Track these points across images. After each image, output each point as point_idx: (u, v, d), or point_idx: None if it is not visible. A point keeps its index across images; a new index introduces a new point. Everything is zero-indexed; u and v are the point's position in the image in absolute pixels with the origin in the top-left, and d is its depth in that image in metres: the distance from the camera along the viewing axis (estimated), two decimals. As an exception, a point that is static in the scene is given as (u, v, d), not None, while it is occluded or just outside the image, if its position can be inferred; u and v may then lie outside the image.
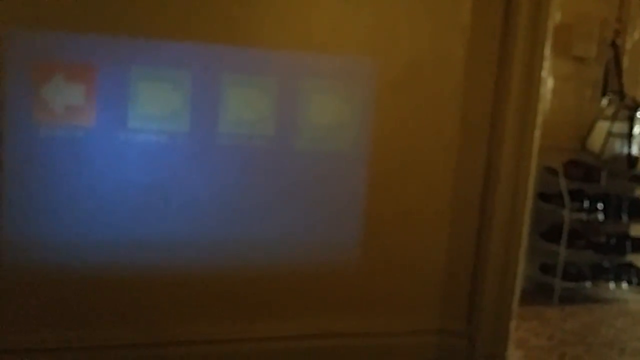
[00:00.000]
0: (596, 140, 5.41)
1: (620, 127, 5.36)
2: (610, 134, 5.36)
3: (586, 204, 5.33)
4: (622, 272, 5.48)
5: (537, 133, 3.67)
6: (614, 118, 5.37)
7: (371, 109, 3.53)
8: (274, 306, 3.52)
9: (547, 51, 3.63)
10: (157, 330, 3.32)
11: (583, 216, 5.34)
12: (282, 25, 3.31)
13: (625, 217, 5.46)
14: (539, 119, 3.67)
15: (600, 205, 5.37)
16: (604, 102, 5.46)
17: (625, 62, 5.53)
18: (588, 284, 5.40)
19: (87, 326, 3.22)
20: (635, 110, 5.36)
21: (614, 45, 5.43)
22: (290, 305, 3.55)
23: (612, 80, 5.44)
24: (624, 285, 5.48)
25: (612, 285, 5.46)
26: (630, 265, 5.57)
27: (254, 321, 3.48)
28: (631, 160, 5.40)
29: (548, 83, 5.05)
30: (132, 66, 3.09)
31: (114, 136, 3.11)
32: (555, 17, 4.22)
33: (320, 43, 3.40)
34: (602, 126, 5.41)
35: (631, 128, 5.34)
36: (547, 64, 3.65)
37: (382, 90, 3.52)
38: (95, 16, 3.03)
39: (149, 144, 3.17)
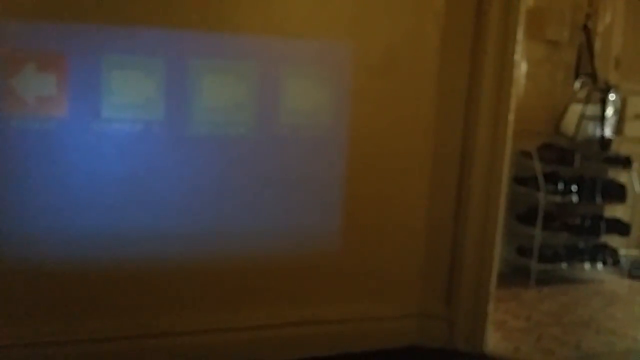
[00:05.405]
0: (569, 123, 5.45)
1: (593, 109, 5.41)
2: (583, 116, 5.41)
3: (560, 186, 5.38)
4: (597, 253, 5.56)
5: (512, 117, 3.70)
6: (586, 101, 5.42)
7: (349, 94, 3.52)
8: (257, 295, 3.51)
9: (520, 35, 3.65)
10: (138, 322, 3.29)
11: (558, 198, 5.39)
12: (258, 10, 3.28)
13: (599, 199, 5.52)
14: (513, 103, 3.70)
15: (574, 188, 5.42)
16: (577, 85, 5.50)
17: (597, 45, 5.57)
18: (564, 265, 5.46)
19: (64, 320, 3.17)
20: (607, 93, 5.40)
21: (585, 28, 5.47)
22: (273, 293, 3.54)
23: (584, 63, 5.48)
24: (599, 265, 5.56)
25: (587, 266, 5.53)
26: (605, 246, 5.64)
27: (237, 310, 3.48)
28: (604, 142, 5.46)
29: (521, 67, 5.07)
30: (104, 54, 3.04)
31: (88, 126, 3.05)
32: (528, 0, 4.23)
33: (296, 28, 3.38)
34: (575, 109, 5.45)
35: (603, 110, 5.40)
36: (520, 48, 3.67)
37: (359, 74, 3.52)
38: (66, 4, 2.96)
39: (123, 134, 3.12)
